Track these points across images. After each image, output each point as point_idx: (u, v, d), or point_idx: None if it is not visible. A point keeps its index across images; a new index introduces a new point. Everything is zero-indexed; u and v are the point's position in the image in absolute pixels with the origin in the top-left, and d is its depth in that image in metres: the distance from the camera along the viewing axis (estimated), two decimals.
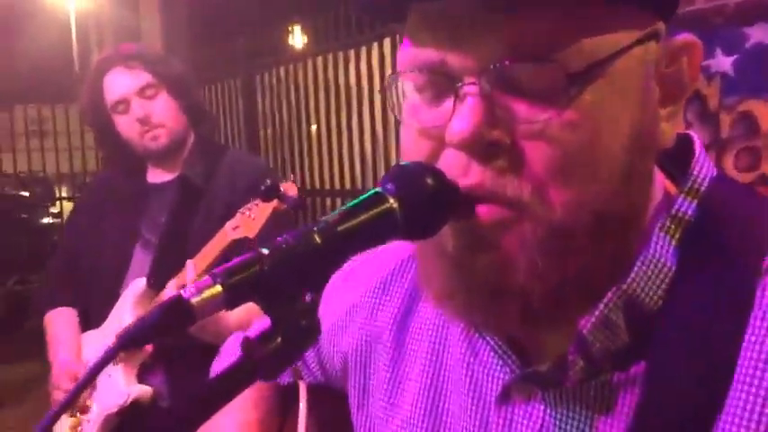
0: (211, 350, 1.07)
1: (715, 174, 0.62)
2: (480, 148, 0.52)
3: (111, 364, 1.91)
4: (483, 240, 0.53)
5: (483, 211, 0.53)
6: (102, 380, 1.92)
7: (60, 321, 2.07)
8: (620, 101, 0.53)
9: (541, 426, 0.60)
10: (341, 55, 4.58)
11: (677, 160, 0.62)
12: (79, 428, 1.92)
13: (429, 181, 0.51)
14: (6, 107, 10.42)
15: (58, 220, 9.66)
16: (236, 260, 0.48)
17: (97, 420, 1.88)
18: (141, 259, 1.98)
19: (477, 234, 0.53)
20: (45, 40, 7.97)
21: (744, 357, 0.52)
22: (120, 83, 1.97)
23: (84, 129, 7.96)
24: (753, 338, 0.53)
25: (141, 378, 1.92)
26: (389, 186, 0.51)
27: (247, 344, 0.46)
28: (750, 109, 2.65)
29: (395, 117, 0.61)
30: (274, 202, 1.66)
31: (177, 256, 1.86)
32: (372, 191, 0.52)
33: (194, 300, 0.44)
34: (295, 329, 0.46)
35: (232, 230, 1.72)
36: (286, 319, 0.46)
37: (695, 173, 0.60)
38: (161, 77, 1.99)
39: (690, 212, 0.58)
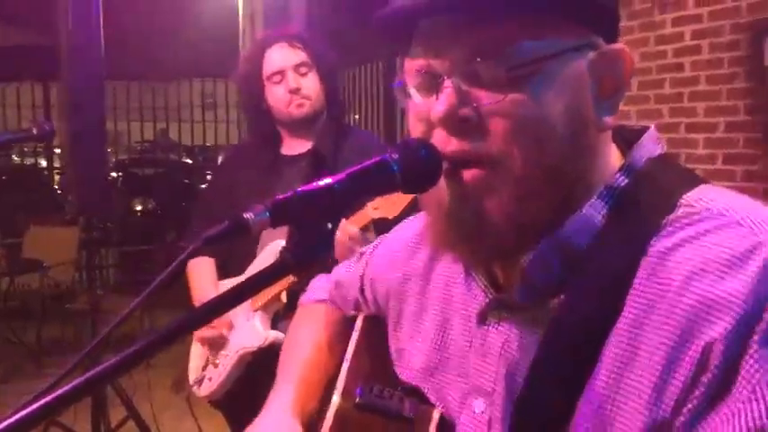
0: (287, 273, 1.30)
1: (656, 155, 0.78)
2: (454, 123, 0.71)
3: (251, 310, 2.23)
4: (468, 194, 0.73)
5: (466, 173, 0.73)
6: (241, 322, 2.24)
7: (201, 269, 2.37)
8: (555, 89, 0.71)
9: (506, 339, 0.80)
10: None
11: (636, 145, 0.79)
12: (209, 357, 2.27)
13: (422, 151, 0.72)
14: (174, 79, 11.21)
15: None
16: (282, 196, 0.70)
17: (234, 355, 2.21)
18: None
19: (464, 190, 0.73)
20: (211, 16, 8.59)
21: (630, 293, 0.69)
22: (281, 56, 2.22)
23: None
24: (640, 279, 0.69)
25: (273, 325, 2.23)
26: (395, 155, 0.72)
27: (283, 250, 0.68)
28: None
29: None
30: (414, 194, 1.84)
31: None
32: (379, 158, 0.72)
33: (250, 218, 0.65)
34: (315, 245, 0.67)
35: (373, 210, 1.88)
36: (311, 238, 0.67)
37: (634, 155, 0.77)
38: (315, 59, 2.24)
39: (623, 184, 0.75)
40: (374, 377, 0.92)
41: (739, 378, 0.62)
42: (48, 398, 0.62)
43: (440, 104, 0.72)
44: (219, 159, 12.10)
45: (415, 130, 0.77)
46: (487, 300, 0.82)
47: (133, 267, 7.22)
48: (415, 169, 0.72)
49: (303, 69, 2.23)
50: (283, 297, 2.16)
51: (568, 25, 0.72)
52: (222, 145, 11.38)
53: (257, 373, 2.19)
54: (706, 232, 0.69)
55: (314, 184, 0.70)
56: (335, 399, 0.86)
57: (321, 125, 2.31)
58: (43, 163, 10.30)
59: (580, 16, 0.73)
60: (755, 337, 0.62)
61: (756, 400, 0.61)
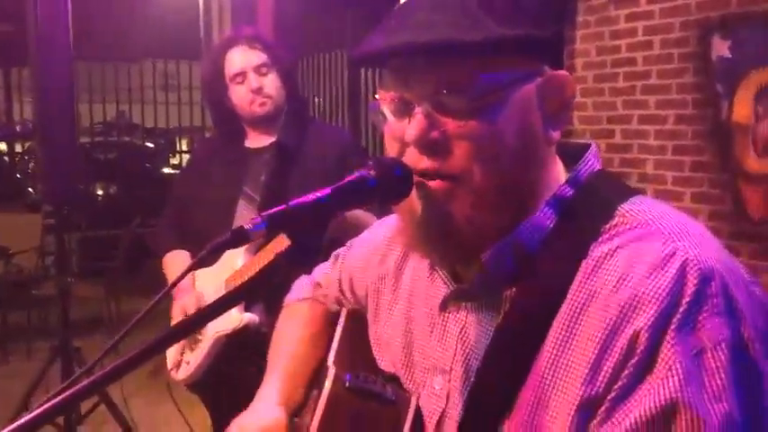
0: (281, 275, 1.42)
1: (596, 169, 0.91)
2: (425, 144, 0.82)
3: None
4: (433, 200, 0.85)
5: (433, 184, 0.85)
6: None
7: (176, 261, 2.50)
8: (509, 113, 0.82)
9: (463, 325, 0.93)
10: None
11: (577, 160, 0.91)
12: (186, 341, 2.37)
13: (396, 170, 0.83)
14: (136, 60, 11.08)
15: (178, 171, 10.41)
16: (274, 209, 0.80)
17: (209, 338, 2.31)
18: (245, 212, 2.38)
19: (429, 197, 0.85)
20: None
21: (571, 288, 0.82)
22: (242, 58, 2.35)
23: None
24: (580, 278, 0.82)
25: (247, 309, 2.33)
26: (372, 172, 0.82)
27: (277, 256, 0.78)
28: None
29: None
30: None
31: None
32: (359, 173, 0.83)
33: (248, 227, 0.74)
34: (307, 249, 0.77)
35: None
36: (302, 243, 0.77)
37: (578, 169, 0.90)
38: (274, 59, 2.38)
39: (568, 195, 0.88)
40: (359, 365, 1.04)
41: (659, 359, 0.75)
42: (55, 400, 0.71)
43: (412, 128, 0.83)
44: (179, 143, 12.05)
45: (391, 147, 0.88)
46: (449, 290, 0.94)
47: (96, 253, 7.20)
48: (390, 184, 0.84)
49: (263, 69, 2.36)
50: None
51: (519, 58, 0.84)
52: (186, 127, 11.30)
53: (233, 355, 2.30)
54: (635, 239, 0.82)
55: (303, 197, 0.81)
56: (327, 384, 0.97)
57: (283, 119, 2.42)
58: (2, 147, 10.15)
59: (528, 51, 0.85)
60: (672, 327, 0.75)
61: (672, 376, 0.74)
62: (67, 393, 0.72)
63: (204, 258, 0.77)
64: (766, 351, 0.78)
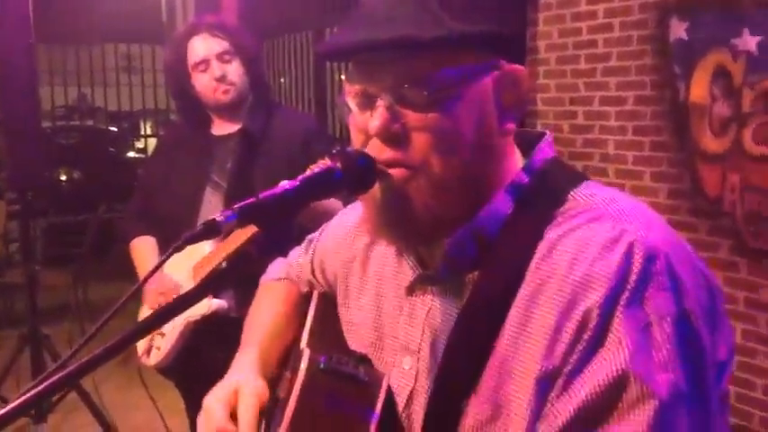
0: (251, 263, 1.45)
1: (550, 156, 0.96)
2: (387, 135, 0.86)
3: (195, 280, 2.34)
4: (394, 189, 0.88)
5: (394, 172, 0.88)
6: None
7: (144, 247, 2.53)
8: (466, 106, 0.86)
9: (430, 308, 0.97)
10: None
11: (534, 149, 0.96)
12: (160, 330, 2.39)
13: (360, 161, 0.87)
14: (98, 42, 10.91)
15: (143, 155, 10.31)
16: (245, 201, 0.83)
17: (179, 325, 2.33)
18: (212, 199, 2.40)
19: (391, 185, 0.88)
20: None
21: (528, 271, 0.87)
22: (203, 46, 2.36)
23: None
24: (537, 260, 0.87)
25: (215, 295, 2.36)
26: (338, 164, 0.86)
27: (249, 241, 0.82)
28: None
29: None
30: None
31: (244, 195, 2.26)
32: (325, 166, 0.87)
33: (220, 220, 0.78)
34: (278, 240, 0.81)
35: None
36: (273, 232, 0.81)
37: (533, 157, 0.95)
38: (237, 47, 2.38)
39: (524, 182, 0.93)
40: (331, 346, 1.08)
41: (610, 334, 0.80)
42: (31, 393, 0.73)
43: (374, 120, 0.87)
44: (143, 127, 11.88)
45: (356, 138, 0.92)
46: (415, 275, 0.99)
47: (61, 239, 7.12)
48: (355, 175, 0.87)
49: (226, 57, 2.38)
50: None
51: (477, 53, 0.88)
52: (151, 110, 11.16)
53: (202, 339, 2.33)
54: (586, 223, 0.87)
55: (272, 190, 0.84)
56: (303, 366, 1.01)
57: (248, 106, 2.43)
58: None
59: (486, 46, 0.89)
60: (622, 303, 0.80)
61: (622, 349, 0.79)
62: (42, 387, 0.74)
63: (178, 249, 0.80)
64: (709, 324, 0.83)
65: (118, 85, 10.85)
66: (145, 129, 12.25)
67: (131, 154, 10.89)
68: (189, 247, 2.46)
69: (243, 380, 1.09)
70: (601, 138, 3.51)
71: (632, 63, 3.35)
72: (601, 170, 3.51)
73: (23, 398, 0.73)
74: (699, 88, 3.10)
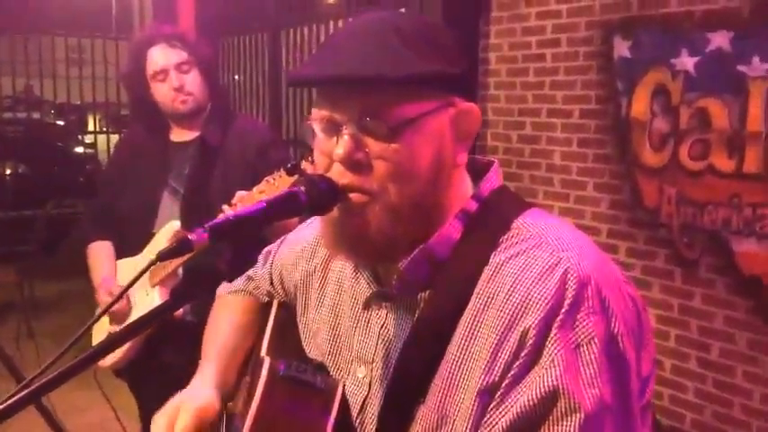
0: (221, 279, 1.50)
1: (496, 186, 1.04)
2: (350, 163, 0.92)
3: (150, 285, 2.39)
4: (352, 212, 0.94)
5: (353, 196, 0.94)
6: (141, 298, 2.41)
7: (100, 251, 2.56)
8: (424, 139, 0.93)
9: (384, 323, 1.05)
10: None
11: (482, 176, 1.04)
12: (110, 330, 2.42)
13: (323, 185, 0.94)
14: (48, 33, 10.67)
15: (92, 150, 10.12)
16: (216, 220, 0.89)
17: None
18: (169, 204, 2.44)
19: (350, 208, 0.94)
20: None
21: (474, 293, 0.95)
22: (162, 56, 2.41)
23: (120, 61, 8.32)
24: (482, 282, 0.95)
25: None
26: (302, 188, 0.93)
27: (219, 262, 0.88)
28: (706, 106, 3.00)
29: None
30: (294, 177, 2.04)
31: (201, 201, 2.33)
32: (289, 191, 0.93)
33: (193, 238, 0.83)
34: (244, 256, 0.88)
35: (258, 193, 2.09)
36: (240, 251, 0.88)
37: (481, 186, 1.03)
38: (195, 57, 2.44)
39: (473, 209, 1.01)
40: (289, 353, 1.15)
41: (544, 353, 0.89)
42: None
43: (339, 148, 0.94)
44: (94, 122, 11.65)
45: (320, 161, 0.99)
46: (371, 291, 1.07)
47: (6, 236, 6.97)
48: (318, 198, 0.95)
49: (185, 67, 2.43)
50: (179, 272, 2.34)
51: (434, 91, 0.96)
52: (101, 102, 10.94)
53: (157, 343, 2.37)
54: (527, 250, 0.96)
55: (241, 210, 0.91)
56: (264, 373, 1.08)
57: (207, 115, 2.49)
58: None
59: (443, 84, 0.96)
60: (556, 325, 0.89)
61: (554, 366, 0.88)
62: (5, 405, 0.78)
63: (153, 263, 0.85)
64: (634, 343, 0.93)
65: (68, 78, 10.61)
66: (95, 123, 12.01)
67: (79, 149, 10.67)
68: (146, 250, 2.50)
69: (188, 396, 1.16)
70: (547, 149, 3.65)
71: (578, 78, 3.48)
72: (547, 179, 3.65)
73: None
74: (640, 104, 3.25)
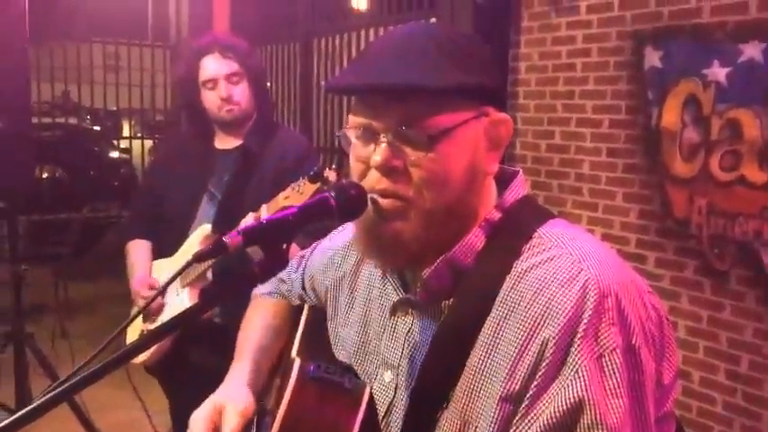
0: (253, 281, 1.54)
1: (521, 196, 1.06)
2: (387, 170, 0.95)
3: (180, 286, 2.45)
4: (387, 217, 0.97)
5: (384, 203, 0.97)
6: (172, 299, 2.47)
7: (138, 250, 2.65)
8: (459, 149, 0.96)
9: (410, 328, 1.08)
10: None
11: (507, 185, 1.06)
12: (143, 328, 2.49)
13: (352, 191, 0.97)
14: (86, 41, 10.89)
15: (126, 155, 10.28)
16: (249, 224, 0.93)
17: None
18: (207, 209, 2.52)
19: (385, 213, 0.97)
20: None
21: (497, 300, 0.97)
22: (214, 66, 2.50)
23: (155, 68, 8.48)
24: (504, 291, 0.97)
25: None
26: (333, 193, 0.96)
27: (252, 265, 0.91)
28: (737, 116, 2.99)
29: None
30: (317, 184, 2.06)
31: (236, 208, 2.39)
32: (320, 197, 0.96)
33: (227, 241, 0.86)
34: (276, 260, 0.91)
35: (283, 199, 2.16)
36: (272, 255, 0.91)
37: (505, 196, 1.05)
38: (246, 69, 2.52)
39: (496, 219, 1.03)
40: (319, 355, 1.19)
41: (568, 362, 0.91)
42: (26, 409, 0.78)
43: (377, 155, 0.97)
44: (129, 127, 11.85)
45: (355, 167, 1.02)
46: (398, 298, 1.09)
47: (42, 238, 7.13)
48: (347, 204, 0.98)
49: (234, 78, 2.51)
50: (209, 275, 2.39)
51: (470, 101, 0.98)
52: (135, 109, 11.14)
53: (186, 341, 2.44)
54: (549, 259, 0.97)
55: (275, 215, 0.94)
56: (294, 374, 1.11)
57: (251, 125, 2.56)
58: None
59: (477, 96, 0.99)
60: (578, 335, 0.91)
61: (578, 378, 0.90)
62: (40, 402, 0.79)
63: (189, 265, 0.89)
64: (654, 353, 0.95)
65: (104, 84, 10.82)
66: (130, 129, 12.22)
67: (114, 154, 10.86)
68: (180, 252, 2.57)
69: (229, 397, 1.18)
70: (576, 158, 3.65)
71: (608, 88, 3.48)
72: (576, 189, 3.65)
73: (28, 408, 0.79)
74: (670, 115, 3.24)
